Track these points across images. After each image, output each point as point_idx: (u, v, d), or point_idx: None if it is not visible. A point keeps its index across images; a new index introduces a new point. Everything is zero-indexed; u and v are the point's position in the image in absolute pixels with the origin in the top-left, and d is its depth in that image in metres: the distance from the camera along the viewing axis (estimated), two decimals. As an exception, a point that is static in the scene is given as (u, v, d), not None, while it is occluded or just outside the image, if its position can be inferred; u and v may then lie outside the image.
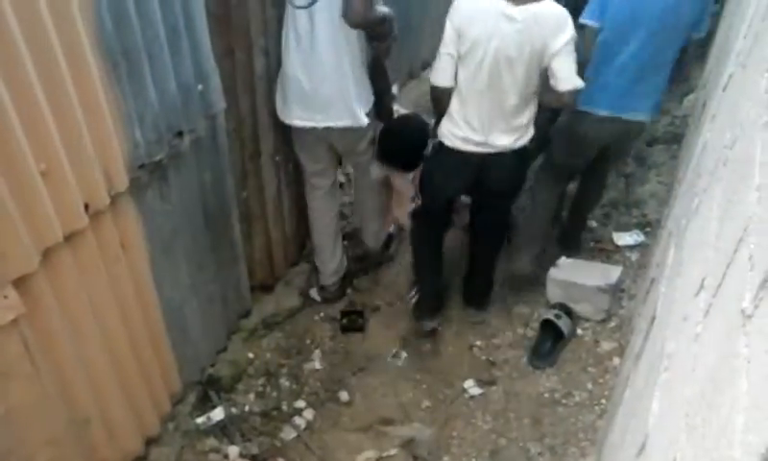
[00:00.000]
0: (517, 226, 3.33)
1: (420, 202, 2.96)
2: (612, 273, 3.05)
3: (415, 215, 3.03)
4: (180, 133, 2.12)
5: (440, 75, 2.51)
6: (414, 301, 3.09)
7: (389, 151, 2.96)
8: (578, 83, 2.42)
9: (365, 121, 2.70)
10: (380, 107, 2.86)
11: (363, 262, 3.44)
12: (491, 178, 2.67)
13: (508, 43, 2.36)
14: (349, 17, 2.35)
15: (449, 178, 2.74)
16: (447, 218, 3.05)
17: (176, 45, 1.97)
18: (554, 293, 3.12)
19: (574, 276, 3.06)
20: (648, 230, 3.50)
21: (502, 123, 2.53)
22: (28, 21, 1.44)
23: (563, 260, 3.16)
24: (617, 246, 3.47)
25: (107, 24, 1.68)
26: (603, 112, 2.78)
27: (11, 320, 1.59)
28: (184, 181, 2.26)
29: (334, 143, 2.88)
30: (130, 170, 1.92)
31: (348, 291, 3.33)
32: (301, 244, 3.36)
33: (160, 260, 2.22)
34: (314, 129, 2.71)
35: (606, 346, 2.92)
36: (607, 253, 3.43)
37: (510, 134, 2.56)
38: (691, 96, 4.16)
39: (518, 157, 2.65)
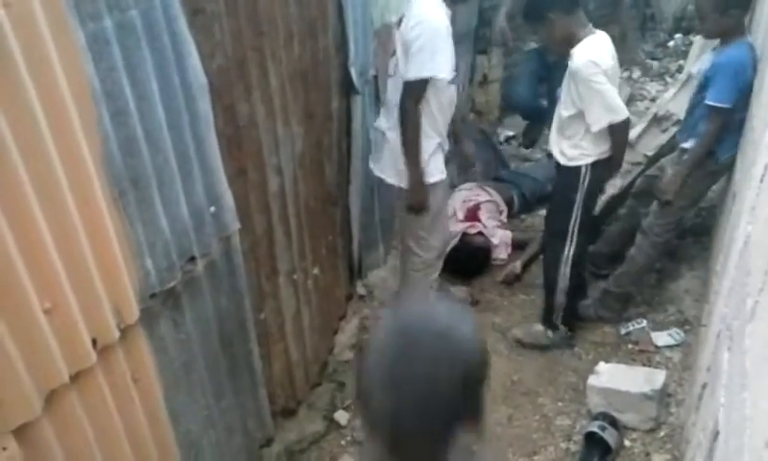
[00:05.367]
0: None
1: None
2: (657, 377, 2.84)
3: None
4: (192, 258, 2.05)
5: None
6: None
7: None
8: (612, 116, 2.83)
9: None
10: None
11: None
12: None
13: None
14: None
15: None
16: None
17: (186, 170, 1.92)
18: (596, 402, 2.90)
19: (616, 383, 2.85)
20: (687, 327, 3.30)
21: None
22: (30, 151, 1.38)
23: (601, 366, 2.96)
24: (657, 346, 3.26)
25: (114, 152, 1.63)
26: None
27: (10, 474, 1.45)
28: (199, 306, 2.16)
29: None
30: (140, 300, 1.82)
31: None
32: (323, 363, 3.21)
33: (175, 392, 2.09)
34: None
35: (658, 459, 2.68)
36: (647, 354, 3.23)
37: None
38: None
39: None
